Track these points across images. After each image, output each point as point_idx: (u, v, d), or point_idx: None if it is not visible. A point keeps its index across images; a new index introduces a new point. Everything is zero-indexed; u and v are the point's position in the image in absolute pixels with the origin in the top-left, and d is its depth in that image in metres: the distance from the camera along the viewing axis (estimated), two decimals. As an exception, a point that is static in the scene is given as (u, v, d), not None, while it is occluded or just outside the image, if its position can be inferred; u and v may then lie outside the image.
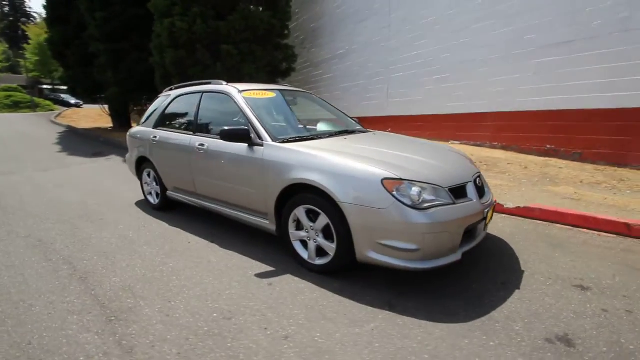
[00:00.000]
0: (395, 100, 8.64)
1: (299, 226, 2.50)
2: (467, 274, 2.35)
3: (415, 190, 2.02)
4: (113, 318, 1.96)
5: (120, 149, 9.26)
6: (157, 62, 9.16)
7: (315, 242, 2.39)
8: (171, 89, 4.06)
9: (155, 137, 3.72)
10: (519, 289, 2.19)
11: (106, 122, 15.42)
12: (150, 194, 4.08)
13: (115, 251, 2.89)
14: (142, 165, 4.09)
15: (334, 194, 2.15)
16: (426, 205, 2.01)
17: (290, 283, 2.31)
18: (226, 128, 2.66)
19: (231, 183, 2.88)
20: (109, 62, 10.79)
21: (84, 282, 2.38)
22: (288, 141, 2.65)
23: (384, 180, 2.04)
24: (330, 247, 2.30)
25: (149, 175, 4.02)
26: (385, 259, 2.06)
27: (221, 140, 2.95)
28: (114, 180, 5.78)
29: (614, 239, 2.93)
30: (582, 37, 5.12)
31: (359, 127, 3.53)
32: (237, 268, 2.55)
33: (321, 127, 3.35)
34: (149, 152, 3.83)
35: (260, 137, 2.68)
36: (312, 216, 2.38)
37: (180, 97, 3.70)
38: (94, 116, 17.36)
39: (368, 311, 1.98)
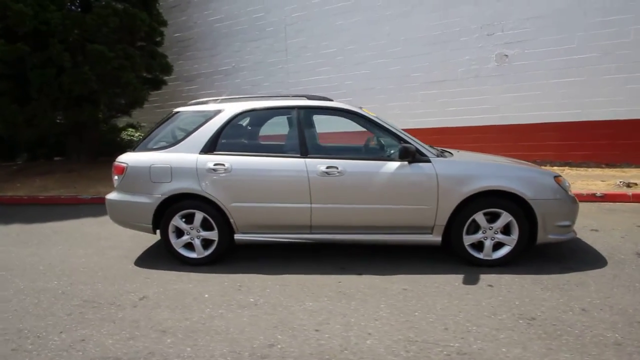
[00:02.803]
0: (301, 120, 9.16)
1: (469, 230, 2.78)
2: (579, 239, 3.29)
3: (567, 181, 2.84)
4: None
5: None
6: (-41, 56, 5.69)
7: (493, 240, 2.76)
8: (207, 102, 3.09)
9: (221, 164, 2.77)
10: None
11: None
12: (188, 245, 2.91)
13: (302, 329, 2.10)
14: (168, 208, 2.85)
15: (524, 194, 2.64)
16: (569, 190, 2.87)
17: (499, 280, 2.56)
18: (405, 146, 2.59)
19: (387, 204, 2.72)
20: None
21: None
22: (439, 155, 2.86)
23: (555, 177, 2.75)
24: (511, 240, 2.73)
25: (187, 220, 2.87)
26: (559, 236, 2.75)
27: (365, 161, 2.81)
28: (25, 245, 3.44)
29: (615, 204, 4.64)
30: (451, 79, 7.55)
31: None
32: (440, 284, 2.51)
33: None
34: (204, 186, 2.77)
35: (421, 153, 2.74)
36: (489, 218, 2.74)
37: (248, 114, 2.95)
38: None
39: (588, 276, 2.59)
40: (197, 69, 10.50)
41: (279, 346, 1.88)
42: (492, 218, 2.74)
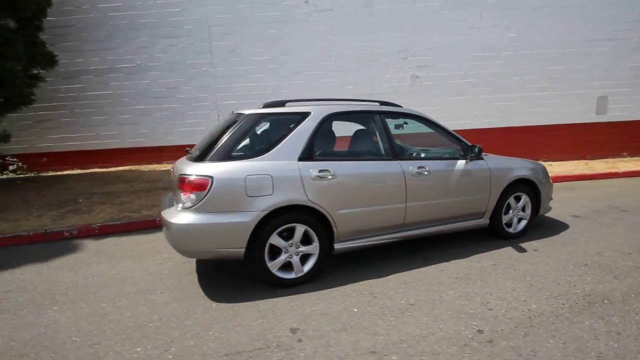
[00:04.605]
0: (232, 128, 8.56)
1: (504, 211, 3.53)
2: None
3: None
4: None
5: None
6: None
7: (517, 217, 3.59)
8: (283, 103, 2.80)
9: (327, 170, 2.58)
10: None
11: None
12: (286, 266, 2.58)
13: (478, 312, 2.25)
14: (264, 225, 2.46)
15: (536, 179, 3.57)
16: (548, 175, 4.01)
17: (534, 245, 3.35)
18: (479, 146, 3.07)
19: (460, 196, 3.17)
20: None
21: None
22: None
23: (545, 166, 3.80)
24: (526, 215, 3.63)
25: (285, 236, 2.53)
26: (547, 209, 3.83)
27: (441, 160, 3.16)
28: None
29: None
30: (377, 93, 8.65)
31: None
32: (510, 256, 3.12)
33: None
34: (310, 195, 2.52)
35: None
36: (514, 200, 3.55)
37: (335, 117, 2.87)
38: None
39: (571, 233, 3.66)
40: (81, 64, 8.31)
41: (487, 329, 2.05)
42: (515, 200, 3.58)
